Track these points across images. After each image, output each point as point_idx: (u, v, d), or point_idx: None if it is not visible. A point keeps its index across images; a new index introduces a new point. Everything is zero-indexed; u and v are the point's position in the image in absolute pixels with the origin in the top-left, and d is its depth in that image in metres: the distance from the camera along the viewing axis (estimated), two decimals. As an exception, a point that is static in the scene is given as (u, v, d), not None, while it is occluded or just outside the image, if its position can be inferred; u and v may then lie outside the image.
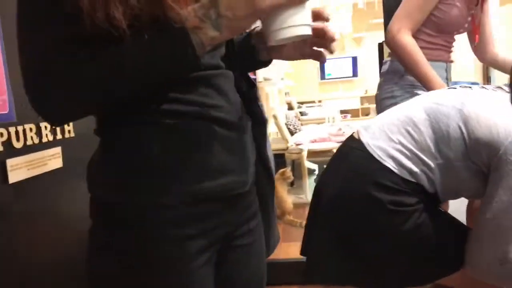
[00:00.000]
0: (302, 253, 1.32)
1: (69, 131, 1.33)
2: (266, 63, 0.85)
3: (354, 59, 8.08)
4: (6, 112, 1.09)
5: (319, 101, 7.81)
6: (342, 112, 7.44)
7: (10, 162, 1.09)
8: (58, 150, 1.28)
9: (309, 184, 3.75)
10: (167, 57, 0.60)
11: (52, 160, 1.25)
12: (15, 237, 1.13)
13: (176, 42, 0.59)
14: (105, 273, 0.68)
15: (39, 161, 1.20)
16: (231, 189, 0.70)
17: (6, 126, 1.08)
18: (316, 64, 8.01)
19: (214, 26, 0.59)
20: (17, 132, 1.12)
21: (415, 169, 1.10)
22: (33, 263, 1.19)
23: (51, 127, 1.25)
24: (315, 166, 4.67)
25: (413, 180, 1.10)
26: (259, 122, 0.80)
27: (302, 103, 7.20)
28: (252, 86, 0.80)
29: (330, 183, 1.21)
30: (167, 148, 0.65)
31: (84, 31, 0.58)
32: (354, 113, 7.83)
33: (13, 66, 1.12)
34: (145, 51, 0.59)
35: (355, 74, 8.13)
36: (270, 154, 0.84)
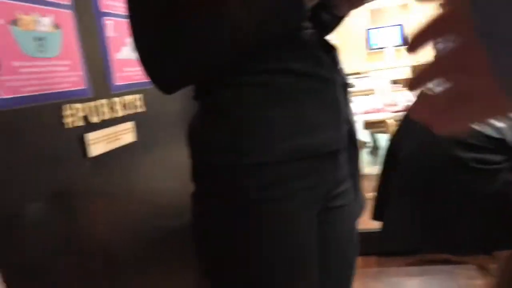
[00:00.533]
0: (374, 217, 1.29)
1: (140, 106, 1.36)
2: (340, 20, 0.83)
3: (401, 27, 7.76)
4: (83, 88, 1.12)
5: (366, 72, 7.61)
6: (393, 82, 7.19)
7: (89, 136, 1.13)
8: (130, 124, 1.31)
9: (364, 157, 3.68)
10: (276, 11, 0.60)
11: (126, 134, 1.28)
12: (96, 209, 1.18)
13: None
14: (213, 235, 0.69)
15: (114, 135, 1.23)
16: (329, 145, 0.69)
17: (84, 102, 1.12)
18: (362, 33, 7.77)
19: None
20: (93, 107, 1.15)
21: (499, 123, 1.05)
22: (112, 233, 1.24)
23: (123, 102, 1.28)
24: (367, 139, 4.58)
25: (497, 136, 1.05)
26: (342, 84, 0.78)
27: (348, 74, 7.01)
28: (332, 48, 0.78)
29: (406, 144, 1.18)
30: (268, 106, 0.65)
31: None
32: (405, 83, 7.56)
33: (87, 43, 1.14)
34: (253, 7, 0.59)
35: (402, 42, 7.82)
36: (353, 118, 0.82)
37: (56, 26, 1.03)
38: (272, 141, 0.65)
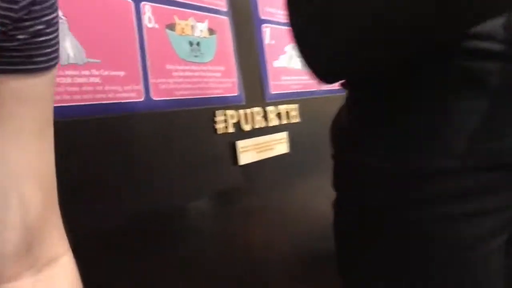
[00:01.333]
0: None
1: (294, 116, 1.29)
2: None
3: None
4: (236, 94, 1.11)
5: None
6: None
7: (240, 144, 1.10)
8: (284, 135, 1.25)
9: None
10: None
11: (278, 145, 1.23)
12: (244, 217, 1.14)
13: None
14: (358, 254, 0.57)
15: (266, 144, 1.19)
16: None
17: (236, 109, 1.10)
18: None
19: None
20: (246, 115, 1.13)
21: None
22: (258, 245, 1.18)
23: (277, 111, 1.23)
24: None
25: None
26: None
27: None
28: None
29: None
30: (450, 97, 0.49)
31: None
32: None
33: (242, 49, 1.13)
34: None
35: None
36: None
37: (212, 31, 1.03)
38: (454, 143, 0.48)
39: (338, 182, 0.62)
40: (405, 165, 0.51)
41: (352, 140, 0.58)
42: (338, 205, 0.62)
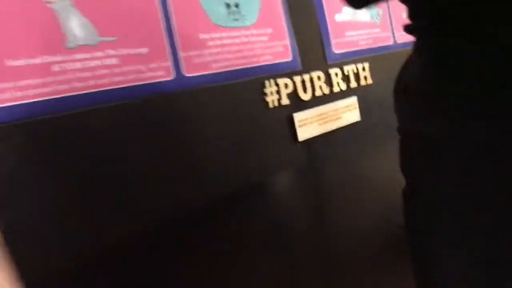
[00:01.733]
0: None
1: (365, 77, 1.10)
2: None
3: None
4: (289, 59, 0.95)
5: None
6: None
7: (298, 117, 0.95)
8: (353, 100, 1.07)
9: None
10: None
11: (346, 112, 1.06)
12: (311, 202, 1.00)
13: None
14: (435, 257, 0.45)
15: (331, 114, 1.03)
16: None
17: (290, 76, 0.95)
18: None
19: None
20: (303, 82, 0.97)
21: None
22: (332, 231, 1.04)
23: (342, 74, 1.05)
24: None
25: None
26: None
27: None
28: None
29: None
30: None
31: None
32: None
33: (294, 5, 0.97)
34: None
35: None
36: None
37: (253, -12, 0.88)
38: None
39: (408, 165, 0.48)
40: (502, 135, 0.36)
41: (424, 103, 0.43)
42: (408, 196, 0.48)
